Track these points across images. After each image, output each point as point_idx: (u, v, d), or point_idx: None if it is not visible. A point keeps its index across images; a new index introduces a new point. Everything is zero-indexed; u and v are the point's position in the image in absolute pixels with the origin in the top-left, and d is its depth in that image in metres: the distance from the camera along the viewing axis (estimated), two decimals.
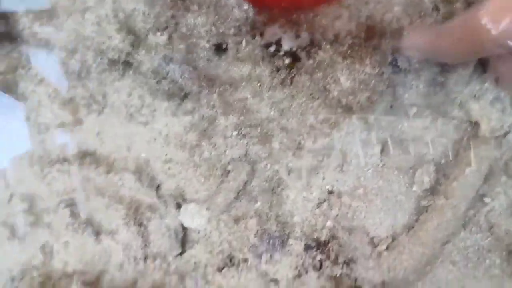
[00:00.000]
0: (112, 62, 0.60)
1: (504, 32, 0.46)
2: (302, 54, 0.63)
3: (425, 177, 0.69)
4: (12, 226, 0.61)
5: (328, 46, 0.61)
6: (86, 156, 0.62)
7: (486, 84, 0.67)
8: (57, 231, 0.61)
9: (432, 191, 0.70)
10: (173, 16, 0.61)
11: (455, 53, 0.55)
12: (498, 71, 0.59)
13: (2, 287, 0.61)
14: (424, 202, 0.71)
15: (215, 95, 0.61)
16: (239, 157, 0.62)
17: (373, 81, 0.62)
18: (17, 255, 0.61)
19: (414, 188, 0.69)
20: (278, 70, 0.63)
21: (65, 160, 0.61)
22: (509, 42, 0.47)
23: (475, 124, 0.71)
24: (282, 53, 0.63)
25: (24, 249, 0.61)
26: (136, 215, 0.63)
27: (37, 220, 0.61)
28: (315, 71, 0.62)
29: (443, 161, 0.71)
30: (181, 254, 0.64)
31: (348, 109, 0.62)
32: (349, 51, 0.61)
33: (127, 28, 0.60)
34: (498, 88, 0.68)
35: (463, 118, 0.71)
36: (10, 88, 0.61)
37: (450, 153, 0.71)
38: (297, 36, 0.62)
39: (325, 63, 0.61)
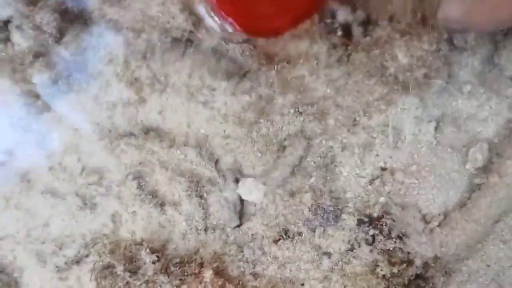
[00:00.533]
0: (175, 41, 0.63)
1: None
2: (358, 30, 0.64)
3: (479, 155, 0.69)
4: (84, 196, 0.65)
5: (385, 23, 0.62)
6: (150, 131, 0.66)
7: None
8: (126, 202, 0.65)
9: (485, 169, 0.70)
10: None
11: (495, 18, 0.52)
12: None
13: (76, 252, 0.65)
14: (477, 180, 0.71)
15: (273, 73, 0.63)
16: (295, 133, 0.64)
17: (430, 58, 0.62)
18: (89, 224, 0.66)
19: (467, 166, 0.69)
20: (335, 47, 0.64)
21: (131, 134, 0.65)
22: None
23: None
24: (336, 25, 0.64)
25: (95, 218, 0.65)
26: (197, 187, 0.66)
27: (107, 191, 0.65)
28: (372, 48, 0.62)
29: (496, 140, 0.71)
30: (239, 226, 0.68)
31: (405, 86, 0.62)
32: (406, 28, 0.61)
33: (189, 9, 0.62)
34: None
35: None
36: (80, 68, 0.65)
37: (503, 132, 0.71)
38: (353, 11, 0.63)
39: (383, 40, 0.62)
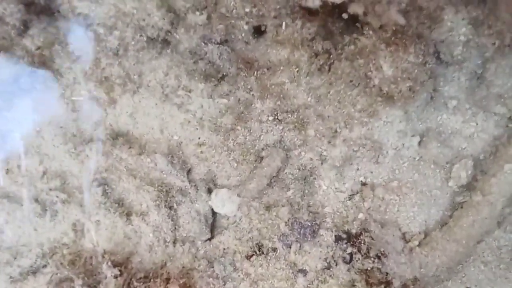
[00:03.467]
0: (151, 40, 0.59)
1: None
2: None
3: (462, 173, 0.67)
4: (44, 202, 0.60)
5: (371, 32, 0.60)
6: (119, 136, 0.62)
7: None
8: (89, 210, 0.60)
9: (469, 187, 0.68)
10: None
11: None
12: None
13: (32, 262, 0.60)
14: (459, 198, 0.69)
15: (252, 78, 0.60)
16: (273, 143, 0.61)
17: (416, 71, 0.60)
18: (48, 232, 0.60)
19: (450, 183, 0.67)
20: (317, 55, 0.61)
21: (98, 139, 0.61)
22: None
23: None
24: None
25: (55, 226, 0.60)
26: (167, 197, 0.62)
27: (69, 197, 0.61)
28: (356, 57, 0.60)
29: (481, 157, 0.69)
30: (210, 239, 0.64)
31: (389, 98, 0.60)
32: (393, 38, 0.59)
33: (167, 6, 0.59)
34: None
35: (505, 114, 0.69)
36: (46, 64, 0.60)
37: (489, 149, 0.69)
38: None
39: (367, 50, 0.60)
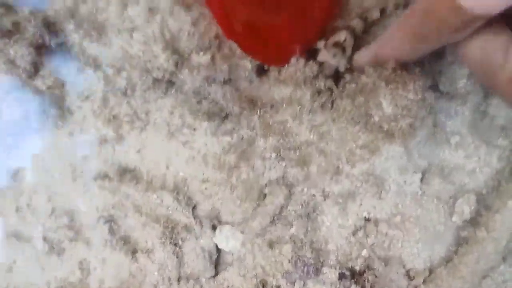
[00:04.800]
0: (157, 81, 0.61)
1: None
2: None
3: (466, 208, 0.67)
4: (52, 240, 0.62)
5: (371, 70, 0.61)
6: (126, 173, 0.63)
7: None
8: (96, 248, 0.62)
9: (473, 222, 0.68)
10: (216, 36, 0.63)
11: (404, 49, 0.54)
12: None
13: None
14: (463, 233, 0.69)
15: (255, 117, 0.61)
16: (276, 180, 0.62)
17: (415, 107, 0.61)
18: (55, 271, 0.62)
19: (454, 219, 0.67)
20: (319, 93, 0.63)
21: (106, 176, 0.62)
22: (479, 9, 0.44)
23: None
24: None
25: (62, 264, 0.62)
26: (172, 234, 0.63)
27: (77, 235, 0.62)
28: (357, 95, 0.61)
29: (484, 192, 0.69)
30: (214, 276, 0.64)
31: (389, 135, 0.61)
32: (392, 75, 0.60)
33: (172, 48, 0.61)
34: None
35: (507, 147, 0.69)
36: (57, 103, 0.63)
37: (492, 183, 0.69)
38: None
39: (368, 88, 0.61)
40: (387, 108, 0.60)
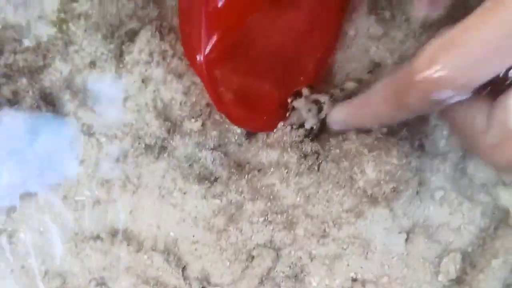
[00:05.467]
0: (149, 147, 0.64)
1: (432, 81, 0.44)
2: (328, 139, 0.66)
3: (451, 267, 0.68)
4: None
5: (354, 137, 0.63)
6: (118, 234, 0.65)
7: None
8: None
9: (458, 281, 0.69)
10: (207, 104, 0.65)
11: (381, 114, 0.56)
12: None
13: None
14: None
15: (243, 181, 0.63)
16: (264, 243, 0.63)
17: (399, 172, 0.63)
18: None
19: (440, 278, 0.68)
20: (305, 156, 0.65)
21: (98, 237, 0.64)
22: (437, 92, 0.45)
23: (504, 211, 0.71)
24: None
25: None
26: None
27: None
28: (341, 160, 0.63)
29: (470, 250, 0.70)
30: None
31: (374, 199, 0.63)
32: (375, 142, 0.63)
33: (164, 116, 0.64)
34: None
35: (490, 203, 0.71)
36: (52, 168, 0.65)
37: (477, 241, 0.71)
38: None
39: (352, 153, 0.63)
40: (371, 173, 0.62)
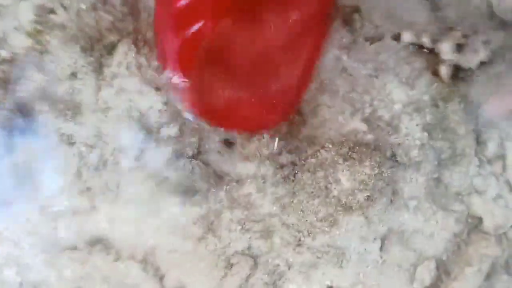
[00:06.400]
0: (127, 156, 0.65)
1: None
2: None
3: (426, 274, 0.70)
4: None
5: (330, 146, 0.65)
6: (96, 243, 0.65)
7: (490, 179, 0.70)
8: None
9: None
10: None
11: None
12: None
13: None
14: None
15: (222, 192, 0.64)
16: (242, 251, 0.65)
17: (372, 181, 0.64)
18: None
19: (415, 285, 0.70)
20: (282, 166, 0.66)
21: (75, 247, 0.64)
22: None
23: (477, 219, 0.72)
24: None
25: None
26: None
27: None
28: (317, 169, 0.65)
29: (444, 257, 0.72)
30: None
31: (348, 208, 0.64)
32: (350, 153, 0.64)
33: (142, 125, 0.65)
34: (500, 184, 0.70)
35: (464, 211, 0.72)
36: (29, 178, 0.66)
37: (451, 248, 0.72)
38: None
39: (327, 163, 0.65)
40: (345, 183, 0.64)
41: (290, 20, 0.65)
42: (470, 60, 0.68)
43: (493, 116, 0.62)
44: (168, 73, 0.60)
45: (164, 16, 0.60)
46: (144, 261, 0.65)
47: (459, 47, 0.67)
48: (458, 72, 0.70)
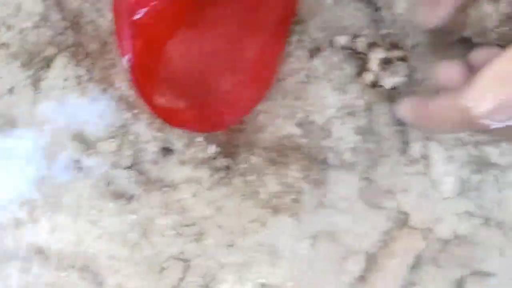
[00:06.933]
0: (65, 167, 0.68)
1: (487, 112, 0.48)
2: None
3: (355, 267, 0.74)
4: None
5: (260, 151, 0.69)
6: (39, 253, 0.68)
7: (416, 177, 0.74)
8: None
9: (361, 280, 0.74)
10: (123, 126, 0.70)
11: (444, 129, 0.60)
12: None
13: None
14: None
15: (157, 198, 0.68)
16: (174, 255, 0.68)
17: (299, 184, 0.69)
18: None
19: (343, 278, 0.74)
20: (217, 171, 0.70)
21: (19, 257, 0.67)
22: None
23: (405, 215, 0.77)
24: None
25: None
26: None
27: None
28: (248, 173, 0.69)
29: (372, 251, 0.77)
30: None
31: (277, 210, 0.68)
32: (278, 157, 0.69)
33: (80, 138, 0.68)
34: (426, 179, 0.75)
35: (395, 208, 0.77)
36: None
37: (380, 243, 0.77)
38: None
39: (257, 167, 0.69)
40: (273, 186, 0.68)
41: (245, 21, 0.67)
42: (387, 79, 0.70)
43: (403, 119, 0.66)
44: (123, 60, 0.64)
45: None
46: (83, 269, 0.68)
47: (386, 62, 0.70)
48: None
